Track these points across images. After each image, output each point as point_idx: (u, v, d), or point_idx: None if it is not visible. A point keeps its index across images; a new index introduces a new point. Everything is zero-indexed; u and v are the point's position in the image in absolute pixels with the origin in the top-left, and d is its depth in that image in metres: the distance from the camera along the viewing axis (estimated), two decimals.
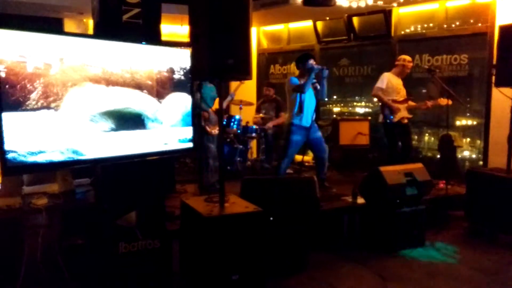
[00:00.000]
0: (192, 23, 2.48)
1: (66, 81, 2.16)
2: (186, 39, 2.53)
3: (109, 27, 2.49)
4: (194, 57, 2.50)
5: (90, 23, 5.57)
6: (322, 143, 4.25)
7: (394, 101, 4.46)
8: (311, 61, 4.03)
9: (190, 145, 2.71)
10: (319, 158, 4.28)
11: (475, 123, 4.97)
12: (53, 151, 2.12)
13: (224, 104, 4.25)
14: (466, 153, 5.03)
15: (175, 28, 5.83)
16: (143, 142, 2.49)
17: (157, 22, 2.68)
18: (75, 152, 2.20)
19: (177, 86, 2.64)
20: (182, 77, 2.65)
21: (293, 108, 4.11)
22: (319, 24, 6.17)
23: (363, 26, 5.71)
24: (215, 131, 4.23)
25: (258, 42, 7.07)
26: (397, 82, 4.51)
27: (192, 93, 2.73)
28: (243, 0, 2.38)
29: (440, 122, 5.11)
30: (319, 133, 4.28)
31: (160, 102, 2.56)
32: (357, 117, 5.96)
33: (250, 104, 5.65)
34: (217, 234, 2.31)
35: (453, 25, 4.99)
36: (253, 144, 5.96)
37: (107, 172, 2.46)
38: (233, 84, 4.75)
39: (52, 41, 2.12)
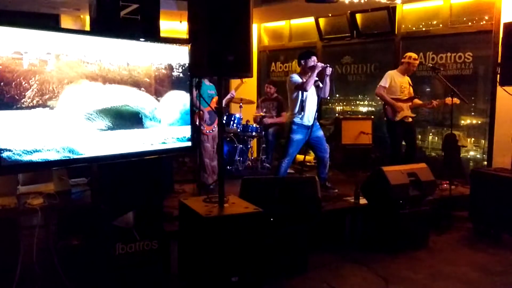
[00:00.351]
0: (191, 19, 2.43)
1: (62, 78, 2.12)
2: (185, 35, 2.48)
3: (107, 23, 2.44)
4: (193, 54, 2.45)
5: (87, 19, 5.52)
6: (324, 142, 4.19)
7: (397, 99, 4.39)
8: (313, 59, 3.97)
9: (189, 144, 2.67)
10: (320, 158, 4.23)
11: (479, 122, 4.91)
12: (49, 150, 2.08)
13: (223, 103, 4.20)
14: (471, 153, 4.97)
15: (174, 24, 5.77)
16: (141, 141, 2.44)
17: (156, 18, 2.63)
18: (71, 151, 2.16)
19: (176, 83, 2.59)
20: (181, 75, 2.60)
21: (294, 107, 4.06)
22: (322, 21, 6.10)
23: (366, 23, 5.64)
24: (210, 130, 4.18)
25: (259, 39, 7.00)
26: (402, 80, 4.44)
27: (191, 91, 2.68)
28: None
29: (444, 121, 5.05)
30: (321, 132, 4.23)
31: (158, 100, 2.51)
32: (359, 116, 5.90)
33: (251, 102, 5.60)
34: (216, 235, 2.27)
35: (458, 23, 4.92)
36: (254, 143, 5.91)
37: (104, 171, 2.43)
38: (233, 83, 4.70)
39: (47, 38, 2.08)
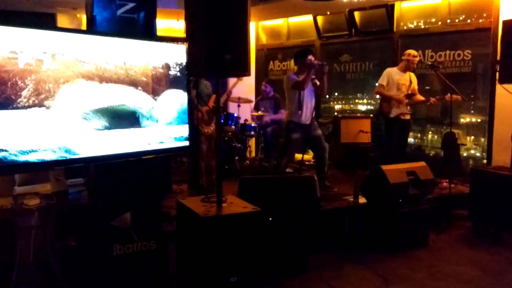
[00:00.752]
0: (188, 18, 2.41)
1: (58, 77, 2.10)
2: (183, 34, 2.46)
3: (103, 22, 2.42)
4: (190, 52, 2.42)
5: (84, 18, 5.49)
6: (322, 141, 4.18)
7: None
8: (310, 57, 3.95)
9: (186, 143, 2.65)
10: (319, 157, 4.22)
11: (478, 120, 4.90)
12: (45, 150, 2.07)
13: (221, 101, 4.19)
14: (470, 151, 4.96)
15: (171, 23, 5.75)
16: (138, 141, 2.42)
17: (153, 17, 2.62)
18: (67, 151, 2.15)
19: (173, 82, 2.57)
20: (178, 74, 2.58)
21: (291, 106, 4.05)
22: (320, 19, 6.07)
23: (365, 21, 5.62)
24: (209, 130, 4.17)
25: (256, 37, 6.98)
26: (400, 78, 4.44)
27: (188, 90, 2.66)
28: None
29: (443, 119, 5.04)
30: (319, 131, 4.22)
31: (155, 100, 2.49)
32: (358, 114, 5.88)
33: (249, 101, 5.57)
34: (214, 235, 2.25)
35: (457, 20, 4.91)
36: (252, 142, 5.89)
37: (101, 171, 2.41)
38: (231, 80, 4.68)
39: (43, 37, 2.06)
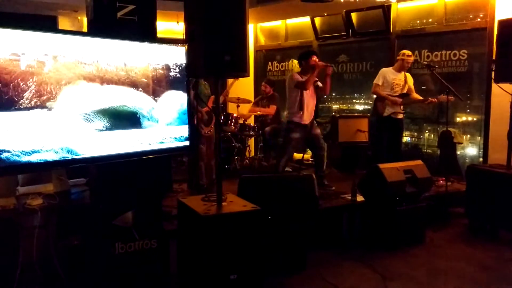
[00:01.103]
0: (187, 20, 2.44)
1: (60, 79, 2.13)
2: (182, 36, 2.49)
3: (103, 25, 2.45)
4: (189, 54, 2.46)
5: (85, 20, 5.51)
6: (320, 140, 4.22)
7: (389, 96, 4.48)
8: (314, 58, 3.99)
9: (187, 143, 2.68)
10: (317, 156, 4.26)
11: (475, 119, 4.94)
12: (47, 151, 2.09)
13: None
14: (466, 150, 5.00)
15: (171, 25, 5.78)
16: (139, 141, 2.45)
17: (153, 19, 2.64)
18: (69, 151, 2.17)
19: (173, 84, 2.60)
20: (178, 75, 2.61)
21: (293, 106, 4.08)
22: (317, 20, 6.12)
23: (362, 22, 5.67)
24: (209, 131, 4.20)
25: (255, 38, 7.02)
26: (395, 77, 4.50)
27: (188, 91, 2.69)
28: None
29: (439, 118, 5.08)
30: (318, 130, 4.26)
31: (156, 100, 2.53)
32: (356, 114, 5.93)
33: (248, 101, 5.61)
34: (214, 234, 2.28)
35: (452, 20, 4.96)
36: (251, 142, 5.92)
37: (102, 171, 2.43)
38: (230, 81, 4.71)
39: (45, 39, 2.08)
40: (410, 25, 5.36)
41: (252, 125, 5.34)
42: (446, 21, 4.99)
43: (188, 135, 2.68)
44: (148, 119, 2.49)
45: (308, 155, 5.33)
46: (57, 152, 2.12)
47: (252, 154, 5.87)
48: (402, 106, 4.52)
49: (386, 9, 5.30)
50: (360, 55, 5.91)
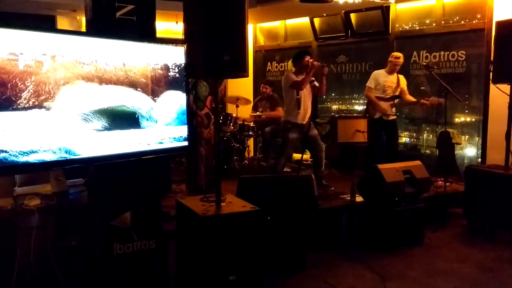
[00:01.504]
0: (187, 20, 2.44)
1: (58, 79, 2.12)
2: (181, 36, 2.49)
3: (102, 24, 2.44)
4: (189, 54, 2.45)
5: (84, 20, 5.50)
6: (318, 140, 4.23)
7: (380, 98, 4.53)
8: (307, 58, 4.00)
9: (185, 144, 2.67)
10: (315, 156, 4.26)
11: (473, 120, 4.95)
12: (45, 151, 2.08)
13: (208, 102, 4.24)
14: (465, 150, 5.01)
15: (170, 25, 5.77)
16: (138, 141, 2.44)
17: (152, 19, 2.63)
18: (68, 151, 2.16)
19: (172, 84, 2.59)
20: (177, 75, 2.61)
21: (289, 105, 4.09)
22: (316, 21, 6.12)
23: (361, 23, 5.68)
24: (209, 133, 4.20)
25: (254, 39, 7.02)
26: (386, 80, 4.55)
27: (187, 91, 2.69)
28: None
29: (438, 119, 5.09)
30: (315, 131, 4.26)
31: (155, 101, 2.52)
32: (355, 114, 5.93)
33: (247, 102, 5.61)
34: (213, 234, 2.28)
35: (451, 22, 4.97)
36: (250, 142, 5.92)
37: (101, 172, 2.42)
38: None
39: (43, 39, 2.07)
40: (408, 26, 5.37)
41: (251, 125, 5.33)
42: (445, 22, 5.00)
43: (187, 135, 2.68)
44: (147, 119, 2.48)
45: (307, 156, 5.33)
46: (55, 152, 2.11)
47: (252, 154, 5.87)
48: (394, 108, 4.54)
49: (385, 10, 5.31)
50: (359, 55, 5.92)
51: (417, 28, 5.28)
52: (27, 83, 2.01)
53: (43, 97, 2.06)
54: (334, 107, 6.44)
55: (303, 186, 3.01)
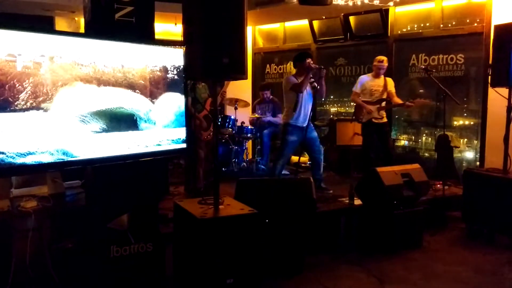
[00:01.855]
0: (185, 22, 2.43)
1: (56, 80, 2.11)
2: (180, 38, 2.48)
3: (101, 26, 2.43)
4: (188, 56, 2.45)
5: (82, 21, 5.50)
6: (317, 143, 4.22)
7: (367, 102, 4.54)
8: (308, 60, 4.00)
9: (184, 146, 2.67)
10: (314, 159, 4.25)
11: (471, 123, 4.96)
12: (43, 153, 2.07)
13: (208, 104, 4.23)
14: (463, 154, 5.02)
15: (169, 26, 5.77)
16: (136, 143, 2.44)
17: (151, 20, 2.63)
18: (65, 153, 2.15)
19: (171, 86, 2.59)
20: (176, 77, 2.60)
21: (289, 108, 4.09)
22: (316, 23, 6.13)
23: (360, 26, 5.69)
24: (208, 136, 4.19)
25: (253, 41, 7.02)
26: (372, 84, 4.57)
27: (185, 93, 2.68)
28: None
29: (437, 122, 5.10)
30: (315, 133, 4.26)
31: (153, 102, 2.51)
32: (353, 117, 5.93)
33: (246, 104, 5.60)
34: (211, 237, 2.27)
35: (449, 25, 4.98)
36: (249, 144, 5.91)
37: (98, 173, 2.41)
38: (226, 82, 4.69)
39: (42, 40, 2.07)
40: (407, 29, 5.39)
41: (250, 127, 5.32)
42: (443, 26, 5.02)
43: (186, 137, 2.67)
44: (145, 121, 2.47)
45: (305, 158, 5.32)
46: (52, 154, 2.10)
47: (250, 156, 5.86)
48: (380, 112, 4.54)
49: (384, 13, 5.32)
50: (358, 58, 5.93)
51: (416, 31, 5.30)
52: (25, 84, 2.01)
53: (41, 99, 2.05)
54: (333, 109, 6.44)
55: (301, 189, 3.00)
